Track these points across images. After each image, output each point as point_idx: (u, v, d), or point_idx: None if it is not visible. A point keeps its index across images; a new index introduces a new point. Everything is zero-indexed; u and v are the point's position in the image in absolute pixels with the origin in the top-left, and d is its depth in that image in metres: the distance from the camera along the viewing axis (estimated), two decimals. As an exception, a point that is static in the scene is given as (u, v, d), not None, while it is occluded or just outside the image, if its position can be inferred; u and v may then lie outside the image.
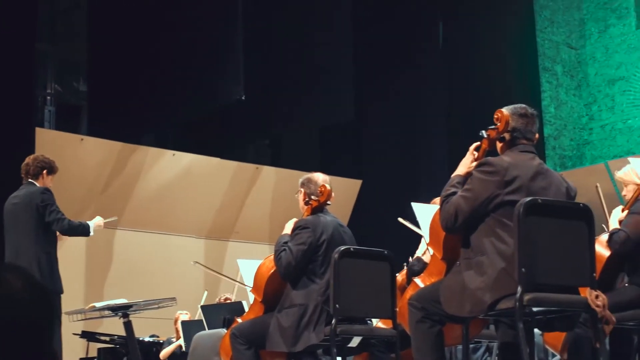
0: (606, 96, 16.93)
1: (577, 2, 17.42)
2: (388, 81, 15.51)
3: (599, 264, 5.37)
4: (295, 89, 15.29)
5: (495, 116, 4.81)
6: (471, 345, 7.94)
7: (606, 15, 17.08)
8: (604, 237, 5.73)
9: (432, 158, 15.22)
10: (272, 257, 6.26)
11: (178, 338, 10.94)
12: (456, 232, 4.73)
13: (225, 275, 10.36)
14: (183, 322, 10.67)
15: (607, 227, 5.95)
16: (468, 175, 4.81)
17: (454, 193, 4.73)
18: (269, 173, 15.03)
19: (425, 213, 6.16)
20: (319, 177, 6.35)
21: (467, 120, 14.47)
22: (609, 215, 6.02)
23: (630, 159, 5.62)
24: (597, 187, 6.60)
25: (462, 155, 4.95)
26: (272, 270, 6.27)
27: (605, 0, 17.12)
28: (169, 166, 14.08)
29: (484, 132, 4.86)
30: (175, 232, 14.21)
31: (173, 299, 9.10)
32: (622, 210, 5.82)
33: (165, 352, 11.01)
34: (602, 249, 5.65)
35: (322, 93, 15.22)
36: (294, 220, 6.35)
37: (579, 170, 15.65)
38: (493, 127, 4.82)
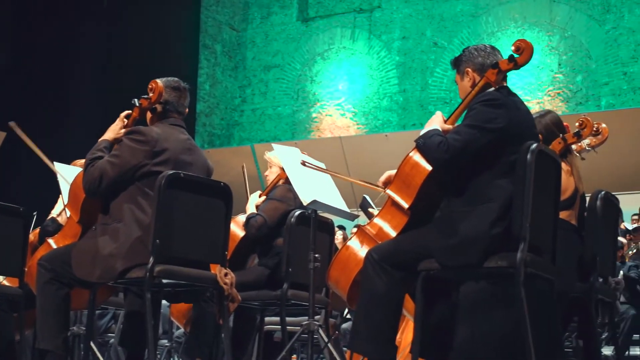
0: (260, 81, 17.41)
1: (243, -16, 17.78)
2: (46, 32, 14.98)
3: (233, 243, 5.54)
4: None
5: (150, 86, 4.81)
6: (98, 312, 7.90)
7: (270, 3, 17.55)
8: (241, 217, 5.89)
9: (82, 119, 14.90)
10: None
11: None
12: (98, 196, 4.69)
13: None
14: None
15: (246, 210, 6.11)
16: (116, 140, 4.78)
17: (100, 157, 4.68)
18: None
19: (68, 174, 6.05)
20: None
21: (122, 86, 14.33)
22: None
23: (274, 145, 5.80)
24: (243, 167, 6.77)
25: (113, 120, 4.90)
26: None
27: (271, -12, 17.59)
28: None
29: (136, 100, 4.85)
30: None
31: None
32: (260, 196, 6.00)
33: None
34: (237, 229, 5.80)
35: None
36: None
37: (226, 150, 16.02)
38: (146, 96, 4.81)
